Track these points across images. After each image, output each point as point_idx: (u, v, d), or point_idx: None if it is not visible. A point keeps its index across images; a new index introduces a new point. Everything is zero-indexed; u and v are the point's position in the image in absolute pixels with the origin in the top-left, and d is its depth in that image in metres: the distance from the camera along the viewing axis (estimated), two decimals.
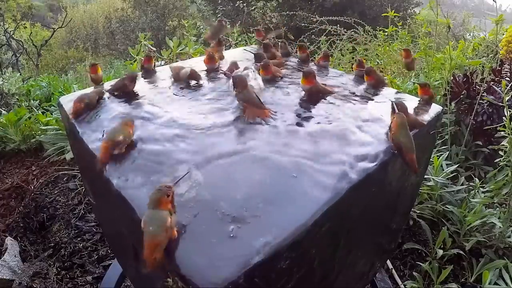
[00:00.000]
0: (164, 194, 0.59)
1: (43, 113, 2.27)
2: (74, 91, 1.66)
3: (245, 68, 1.11)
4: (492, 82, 1.80)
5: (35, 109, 2.42)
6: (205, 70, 1.19)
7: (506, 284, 1.25)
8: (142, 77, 1.17)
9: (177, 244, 0.57)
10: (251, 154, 0.76)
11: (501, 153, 1.30)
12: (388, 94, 1.07)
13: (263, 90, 1.02)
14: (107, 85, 1.08)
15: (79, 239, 1.60)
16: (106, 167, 0.74)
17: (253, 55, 1.25)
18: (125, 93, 1.03)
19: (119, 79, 1.07)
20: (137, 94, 1.03)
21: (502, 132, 1.27)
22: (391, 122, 0.82)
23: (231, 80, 1.05)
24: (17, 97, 2.55)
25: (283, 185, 0.68)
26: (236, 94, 0.91)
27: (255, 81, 1.03)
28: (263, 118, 0.86)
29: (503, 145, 1.29)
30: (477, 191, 1.46)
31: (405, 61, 1.38)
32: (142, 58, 1.24)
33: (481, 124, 1.72)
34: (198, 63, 1.23)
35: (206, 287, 0.51)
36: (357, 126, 0.86)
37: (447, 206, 1.47)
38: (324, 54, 1.29)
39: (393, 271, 1.38)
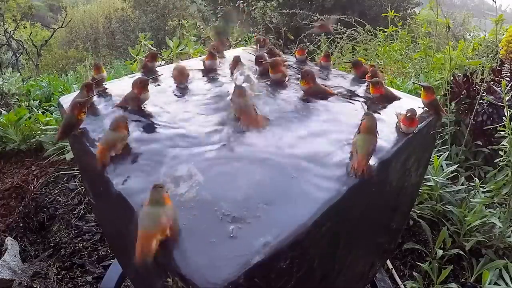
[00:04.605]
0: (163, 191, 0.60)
1: (43, 113, 2.27)
2: (74, 91, 1.66)
3: (240, 66, 1.11)
4: (492, 82, 1.80)
5: (35, 109, 2.42)
6: (206, 70, 1.19)
7: (506, 284, 1.25)
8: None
9: (177, 244, 0.57)
10: (251, 154, 0.76)
11: (501, 153, 1.30)
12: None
13: (259, 92, 1.02)
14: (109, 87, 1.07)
15: (79, 239, 1.60)
16: (106, 168, 0.74)
17: (253, 55, 1.25)
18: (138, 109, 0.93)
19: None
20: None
21: (502, 132, 1.27)
22: None
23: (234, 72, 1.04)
24: (17, 97, 2.54)
25: (283, 185, 0.68)
26: (231, 102, 0.90)
27: (252, 85, 1.02)
28: (257, 127, 0.84)
29: (503, 145, 1.29)
30: (477, 191, 1.46)
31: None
32: (143, 58, 1.23)
33: (481, 124, 1.72)
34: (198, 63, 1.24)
35: (206, 287, 0.51)
36: (357, 127, 0.86)
37: (447, 206, 1.47)
38: (325, 55, 1.29)
39: (393, 271, 1.38)
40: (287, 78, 1.10)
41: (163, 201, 0.59)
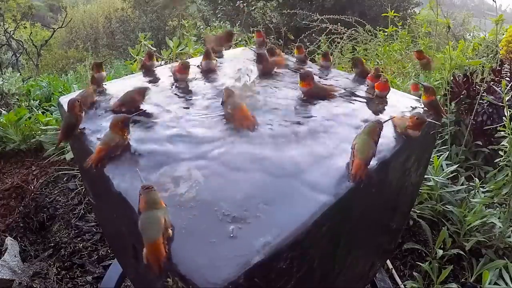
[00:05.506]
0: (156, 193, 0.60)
1: (43, 113, 2.27)
2: (74, 91, 1.66)
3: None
4: (492, 82, 1.80)
5: (35, 109, 2.42)
6: (202, 71, 1.19)
7: (506, 284, 1.25)
8: (142, 76, 1.16)
9: (177, 244, 0.57)
10: (252, 154, 0.76)
11: (501, 153, 1.30)
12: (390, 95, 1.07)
13: (257, 92, 1.02)
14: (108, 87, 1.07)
15: (79, 239, 1.60)
16: (102, 169, 0.74)
17: (253, 54, 1.25)
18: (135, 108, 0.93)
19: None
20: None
21: (502, 132, 1.27)
22: None
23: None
24: (17, 97, 2.54)
25: (283, 185, 0.68)
26: (223, 106, 0.90)
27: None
28: (249, 126, 0.83)
29: (503, 145, 1.29)
30: (477, 191, 1.46)
31: (421, 63, 1.30)
32: (143, 58, 1.23)
33: (481, 124, 1.72)
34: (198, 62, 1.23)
35: (206, 287, 0.51)
36: (357, 127, 0.86)
37: (447, 206, 1.47)
38: (323, 54, 1.29)
39: (393, 271, 1.38)
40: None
41: (158, 202, 0.59)
